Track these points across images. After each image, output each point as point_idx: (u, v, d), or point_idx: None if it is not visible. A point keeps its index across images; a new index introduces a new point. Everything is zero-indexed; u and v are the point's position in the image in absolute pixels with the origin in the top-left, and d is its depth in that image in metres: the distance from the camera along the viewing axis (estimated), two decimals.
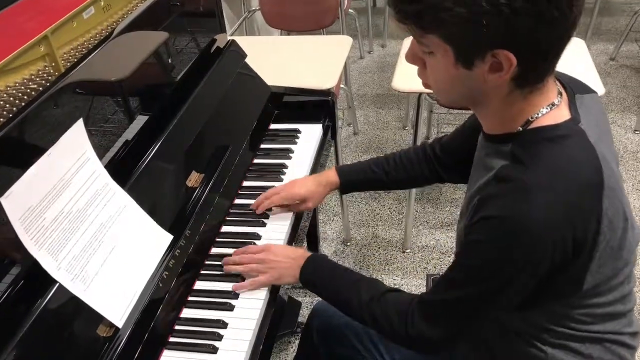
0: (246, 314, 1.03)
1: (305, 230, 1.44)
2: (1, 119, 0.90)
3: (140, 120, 1.17)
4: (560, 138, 0.78)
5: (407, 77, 1.77)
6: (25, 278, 0.83)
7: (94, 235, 0.90)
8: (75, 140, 0.91)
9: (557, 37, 0.73)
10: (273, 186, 1.32)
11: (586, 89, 0.89)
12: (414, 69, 0.84)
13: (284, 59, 1.99)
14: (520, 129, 0.80)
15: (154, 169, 1.11)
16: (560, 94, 0.82)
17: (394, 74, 1.81)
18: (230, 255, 1.13)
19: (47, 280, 0.83)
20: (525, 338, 0.91)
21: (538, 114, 0.79)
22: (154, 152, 1.13)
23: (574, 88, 0.86)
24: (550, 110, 0.80)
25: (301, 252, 1.10)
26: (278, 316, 1.11)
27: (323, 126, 1.54)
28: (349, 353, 1.20)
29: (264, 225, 1.22)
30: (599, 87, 1.65)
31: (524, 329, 0.90)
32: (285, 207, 1.26)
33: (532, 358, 0.91)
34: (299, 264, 1.07)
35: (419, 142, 2.14)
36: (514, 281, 0.79)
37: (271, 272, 1.08)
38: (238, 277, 1.10)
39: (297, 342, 1.68)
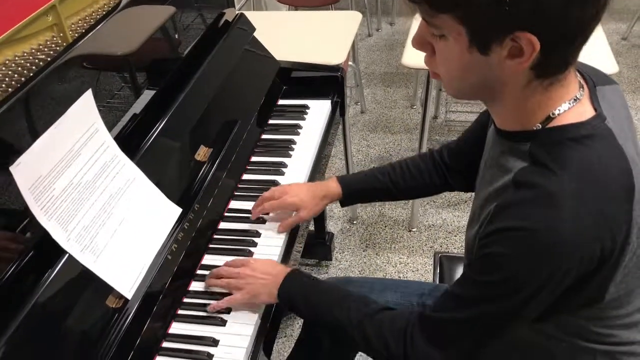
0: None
1: None
2: (10, 89, 0.89)
3: (148, 95, 1.16)
4: (586, 138, 0.70)
5: (417, 54, 1.74)
6: (35, 249, 0.83)
7: (103, 207, 0.90)
8: (84, 111, 0.90)
9: (588, 17, 0.64)
10: (282, 162, 1.32)
11: (607, 80, 0.81)
12: None
13: (292, 35, 1.97)
14: (540, 126, 0.72)
15: (162, 143, 1.10)
16: (582, 86, 0.74)
17: (404, 51, 1.78)
18: (225, 257, 1.07)
19: (57, 251, 0.83)
20: (532, 352, 0.85)
21: (560, 110, 0.71)
22: (161, 126, 1.12)
23: (594, 79, 0.78)
24: (573, 106, 0.72)
25: (281, 269, 1.00)
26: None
27: (332, 102, 1.53)
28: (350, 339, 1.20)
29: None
30: (612, 67, 1.63)
31: (530, 339, 0.84)
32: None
33: None
34: (278, 280, 0.97)
35: (427, 120, 2.13)
36: (536, 297, 0.71)
37: (247, 289, 0.98)
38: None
39: (302, 320, 1.69)
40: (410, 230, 2.19)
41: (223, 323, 0.97)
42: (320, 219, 2.06)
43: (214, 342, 0.93)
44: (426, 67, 0.77)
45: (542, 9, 0.61)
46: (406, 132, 2.71)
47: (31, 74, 0.91)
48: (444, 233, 2.17)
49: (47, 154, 0.82)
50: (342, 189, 1.17)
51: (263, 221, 1.16)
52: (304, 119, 1.47)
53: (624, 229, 0.68)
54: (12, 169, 0.75)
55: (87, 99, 0.91)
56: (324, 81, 1.56)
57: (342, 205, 1.23)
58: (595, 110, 0.73)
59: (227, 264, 1.04)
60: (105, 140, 0.94)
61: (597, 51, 1.67)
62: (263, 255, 1.10)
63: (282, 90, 1.56)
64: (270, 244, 1.12)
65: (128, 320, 0.88)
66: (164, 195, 1.02)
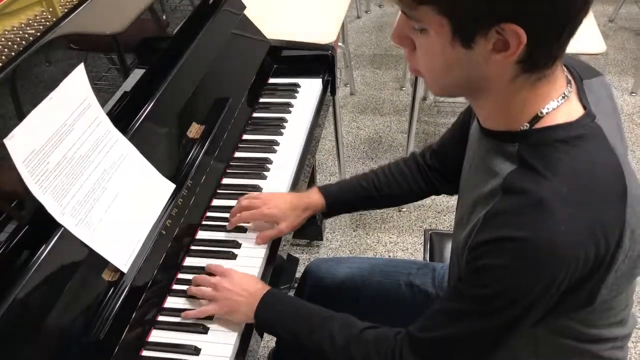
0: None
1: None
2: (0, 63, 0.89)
3: (138, 73, 1.15)
4: (577, 139, 0.67)
5: None
6: (30, 223, 0.83)
7: (97, 182, 0.90)
8: (76, 86, 0.90)
9: (577, 8, 0.61)
10: (274, 140, 1.32)
11: (593, 73, 0.78)
12: None
13: (281, 14, 1.95)
14: (528, 126, 0.69)
15: (153, 120, 1.10)
16: (569, 81, 0.72)
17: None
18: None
19: (52, 225, 0.83)
20: (517, 352, 0.82)
21: (548, 108, 0.68)
22: (153, 104, 1.11)
23: (580, 73, 0.75)
24: (562, 103, 0.69)
25: (260, 287, 0.94)
26: (277, 274, 1.09)
27: (323, 81, 1.53)
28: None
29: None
30: (600, 47, 1.64)
31: (515, 340, 0.79)
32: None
33: None
34: (254, 301, 0.91)
35: (417, 101, 2.14)
36: (533, 308, 0.69)
37: (222, 303, 0.92)
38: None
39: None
40: (400, 211, 2.21)
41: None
42: None
43: (209, 318, 0.94)
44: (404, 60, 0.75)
45: None
46: (396, 114, 2.71)
47: (21, 49, 0.91)
48: (433, 213, 2.19)
49: (41, 127, 0.82)
50: (325, 200, 1.11)
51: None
52: (295, 97, 1.47)
53: (617, 233, 0.66)
54: (6, 141, 0.75)
55: (79, 73, 0.90)
56: (315, 60, 1.55)
57: (325, 217, 1.17)
58: (584, 107, 0.70)
59: (208, 268, 0.99)
60: (98, 115, 0.94)
61: (585, 31, 1.68)
62: (250, 250, 1.07)
63: (273, 68, 1.56)
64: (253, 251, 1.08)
65: (125, 293, 0.89)
66: (157, 171, 1.02)
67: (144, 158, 1.00)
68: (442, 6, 0.61)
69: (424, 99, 2.76)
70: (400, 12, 0.67)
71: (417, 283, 1.15)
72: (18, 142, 0.77)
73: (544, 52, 0.64)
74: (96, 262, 0.87)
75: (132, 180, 0.96)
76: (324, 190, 1.12)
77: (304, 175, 1.33)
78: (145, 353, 0.89)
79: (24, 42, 0.94)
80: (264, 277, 1.04)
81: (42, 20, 1.01)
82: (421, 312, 1.12)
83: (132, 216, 0.94)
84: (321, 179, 2.37)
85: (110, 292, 0.88)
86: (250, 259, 1.05)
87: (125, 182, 0.95)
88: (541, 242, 0.64)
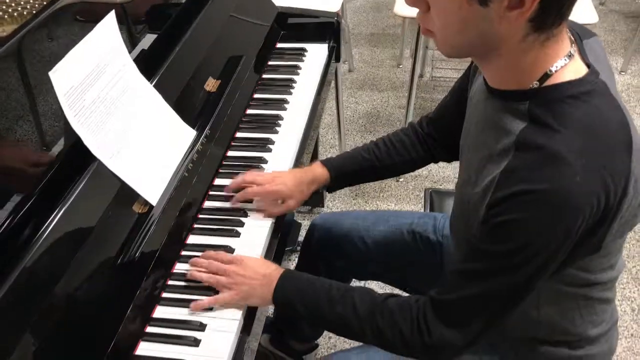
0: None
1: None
2: (33, 10, 0.94)
3: (150, 38, 1.20)
4: (585, 95, 0.71)
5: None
6: (67, 157, 0.89)
7: (127, 122, 0.96)
8: (107, 32, 0.96)
9: None
10: (283, 99, 1.39)
11: (589, 33, 0.82)
12: None
13: None
14: (537, 84, 0.72)
15: (173, 73, 1.16)
16: (572, 41, 0.75)
17: (395, 1, 1.84)
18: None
19: (87, 159, 0.90)
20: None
21: (557, 66, 0.71)
22: (172, 58, 1.18)
23: (580, 33, 0.79)
24: (569, 62, 0.72)
25: (274, 269, 0.95)
26: (282, 238, 1.11)
27: (329, 47, 1.59)
28: (347, 263, 1.27)
29: (237, 235, 1.05)
30: (593, 16, 1.72)
31: None
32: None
33: (521, 315, 0.83)
34: (271, 282, 0.92)
35: (416, 76, 2.20)
36: (553, 258, 0.72)
37: (236, 290, 0.91)
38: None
39: (296, 259, 1.78)
40: (397, 180, 2.28)
41: (238, 235, 1.04)
42: None
43: (230, 250, 1.01)
44: (416, 21, 0.75)
45: None
46: (393, 90, 2.78)
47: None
48: (429, 182, 2.27)
49: (77, 66, 0.88)
50: (329, 173, 1.12)
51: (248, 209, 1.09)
52: (302, 60, 1.53)
53: (623, 181, 0.70)
54: (50, 74, 0.81)
55: (110, 20, 0.96)
56: (321, 27, 1.62)
57: (329, 190, 1.19)
58: (588, 65, 0.74)
59: (212, 257, 0.96)
60: (126, 61, 1.00)
61: (580, 3, 1.76)
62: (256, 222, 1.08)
63: (280, 34, 1.62)
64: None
65: (153, 225, 0.95)
66: (179, 118, 1.08)
67: (168, 105, 1.06)
68: None
69: (421, 76, 2.83)
70: None
71: (418, 230, 1.22)
72: (60, 76, 0.83)
73: (554, 10, 0.66)
74: (127, 194, 0.93)
75: (157, 124, 1.02)
76: (327, 163, 1.13)
77: (312, 135, 1.40)
78: (170, 282, 0.96)
79: None
80: (270, 247, 1.05)
81: None
82: (423, 256, 1.21)
83: (158, 156, 1.00)
84: (322, 152, 2.43)
85: (140, 223, 0.94)
86: (257, 228, 1.06)
87: (151, 125, 1.01)
88: (560, 192, 0.67)
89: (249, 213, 1.09)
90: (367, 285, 1.87)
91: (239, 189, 1.09)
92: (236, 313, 0.91)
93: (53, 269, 0.82)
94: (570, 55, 0.72)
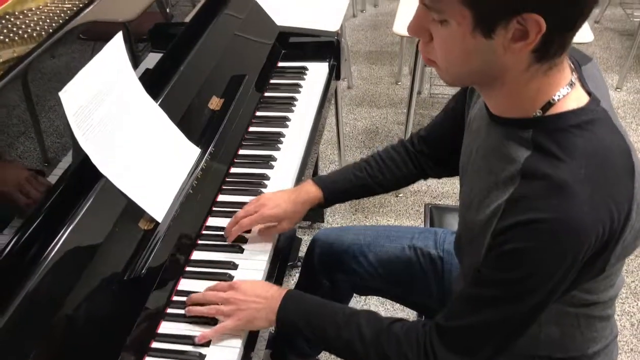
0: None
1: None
2: (43, 33, 0.97)
3: (153, 56, 1.23)
4: (588, 124, 0.71)
5: (407, 22, 1.84)
6: (74, 175, 0.91)
7: (133, 140, 0.98)
8: (114, 53, 0.98)
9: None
10: (285, 117, 1.41)
11: (586, 58, 0.83)
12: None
13: (287, 5, 2.04)
14: (540, 112, 0.73)
15: (178, 92, 1.19)
16: (573, 69, 0.76)
17: (395, 18, 1.88)
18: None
19: (95, 177, 0.92)
20: None
21: (559, 95, 0.72)
22: (177, 78, 1.21)
23: (578, 59, 0.80)
24: (570, 90, 0.73)
25: (275, 290, 0.94)
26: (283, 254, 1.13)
27: (329, 65, 1.62)
28: (348, 278, 1.28)
29: (241, 251, 1.06)
30: (588, 35, 1.76)
31: None
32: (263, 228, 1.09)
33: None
34: (274, 304, 0.91)
35: (415, 93, 2.23)
36: (560, 286, 0.73)
37: (239, 315, 0.90)
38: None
39: (297, 275, 1.79)
40: (397, 196, 2.30)
41: (241, 251, 1.06)
42: None
43: (234, 266, 1.03)
44: (419, 50, 0.74)
45: None
46: (392, 106, 2.82)
47: (61, 22, 0.99)
48: (429, 198, 2.29)
49: (86, 86, 0.90)
50: (322, 193, 1.12)
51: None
52: (303, 79, 1.56)
53: (626, 207, 0.71)
54: (60, 94, 0.83)
55: (117, 41, 0.99)
56: (321, 45, 1.65)
57: (322, 207, 1.18)
58: (588, 93, 0.75)
59: (209, 289, 0.96)
60: (132, 81, 1.02)
61: None
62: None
63: (282, 53, 1.65)
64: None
65: (158, 242, 0.97)
66: (184, 136, 1.10)
67: (173, 123, 1.09)
68: None
69: (419, 92, 2.87)
70: (418, 4, 0.70)
71: (419, 245, 1.23)
72: (70, 96, 0.85)
73: (558, 41, 0.67)
74: (133, 211, 0.95)
75: (163, 142, 1.04)
76: (319, 182, 1.13)
77: (314, 151, 1.42)
78: (175, 298, 0.97)
79: (62, 15, 1.02)
80: (270, 272, 1.05)
81: None
82: (424, 271, 1.22)
83: (164, 174, 1.02)
84: (322, 167, 2.45)
85: (146, 239, 0.96)
86: (254, 260, 1.05)
87: (157, 143, 1.03)
88: (567, 221, 0.68)
89: (248, 237, 1.09)
90: (368, 300, 1.88)
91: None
92: (237, 341, 0.91)
93: (61, 284, 0.83)
94: (571, 84, 0.73)
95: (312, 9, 1.98)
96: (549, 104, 0.72)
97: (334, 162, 2.49)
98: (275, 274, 1.06)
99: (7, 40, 0.91)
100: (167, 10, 1.41)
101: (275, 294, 0.93)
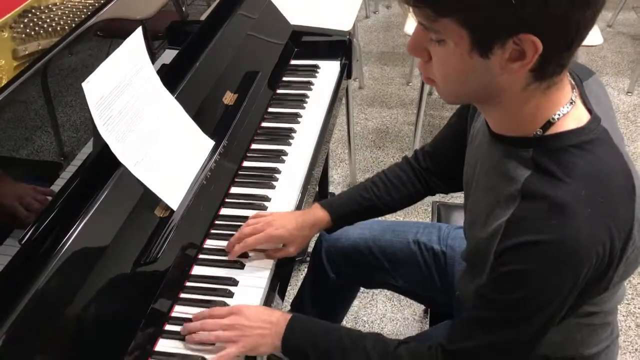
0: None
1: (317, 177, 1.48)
2: (66, 27, 1.01)
3: (169, 53, 1.27)
4: (588, 144, 0.72)
5: None
6: (94, 164, 0.95)
7: (151, 131, 1.02)
8: (135, 46, 1.02)
9: (587, 19, 0.65)
10: (297, 113, 1.44)
11: (588, 73, 0.84)
12: None
13: (300, 5, 2.08)
14: (540, 131, 0.73)
15: (193, 87, 1.23)
16: (573, 87, 0.76)
17: (407, 19, 1.91)
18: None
19: (113, 165, 0.96)
20: None
21: (559, 114, 0.73)
22: (192, 73, 1.25)
23: (580, 75, 0.80)
24: (570, 109, 0.73)
25: (279, 314, 0.92)
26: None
27: (341, 64, 1.65)
28: (354, 272, 1.31)
29: (242, 267, 1.04)
30: (597, 38, 1.78)
31: None
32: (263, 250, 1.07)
33: None
34: (279, 329, 0.90)
35: (425, 94, 2.26)
36: (563, 306, 0.73)
37: (243, 342, 0.88)
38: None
39: (305, 270, 1.82)
40: None
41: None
42: (323, 183, 2.19)
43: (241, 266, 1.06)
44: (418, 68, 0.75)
45: (547, 10, 0.61)
46: (402, 107, 2.84)
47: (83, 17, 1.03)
48: (437, 196, 2.31)
49: (107, 78, 0.94)
50: (330, 216, 1.11)
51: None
52: (315, 76, 1.59)
53: (627, 227, 0.71)
54: (83, 85, 0.87)
55: (137, 35, 1.03)
56: (333, 44, 1.68)
57: (329, 232, 1.18)
58: (589, 111, 0.75)
59: (204, 315, 0.92)
60: (150, 75, 1.06)
61: None
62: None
63: (294, 51, 1.69)
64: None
65: (173, 229, 1.00)
66: (199, 128, 1.14)
67: (188, 116, 1.12)
68: (463, 18, 0.64)
69: (430, 94, 2.89)
70: (417, 24, 0.70)
71: (423, 240, 1.26)
72: (92, 87, 0.89)
73: (556, 60, 0.67)
74: (150, 199, 0.99)
75: (179, 134, 1.08)
76: (327, 206, 1.12)
77: (324, 149, 1.45)
78: (188, 284, 1.01)
79: (84, 10, 1.07)
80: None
81: None
82: (428, 265, 1.25)
83: (179, 164, 1.06)
84: (332, 165, 2.49)
85: (161, 227, 1.00)
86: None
87: (173, 135, 1.07)
88: (567, 242, 0.68)
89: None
90: (376, 296, 1.91)
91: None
92: None
93: (80, 269, 0.87)
94: (572, 102, 0.74)
95: (325, 10, 2.01)
96: (549, 123, 0.73)
97: (344, 160, 2.52)
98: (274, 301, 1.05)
99: (32, 33, 0.95)
100: (183, 9, 1.45)
101: (280, 318, 0.91)
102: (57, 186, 0.91)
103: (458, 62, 0.68)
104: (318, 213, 1.11)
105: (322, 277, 1.36)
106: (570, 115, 0.73)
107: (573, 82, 0.77)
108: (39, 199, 0.86)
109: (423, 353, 0.83)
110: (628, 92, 2.88)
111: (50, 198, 0.88)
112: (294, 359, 0.92)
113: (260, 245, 1.05)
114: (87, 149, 0.97)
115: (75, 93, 0.94)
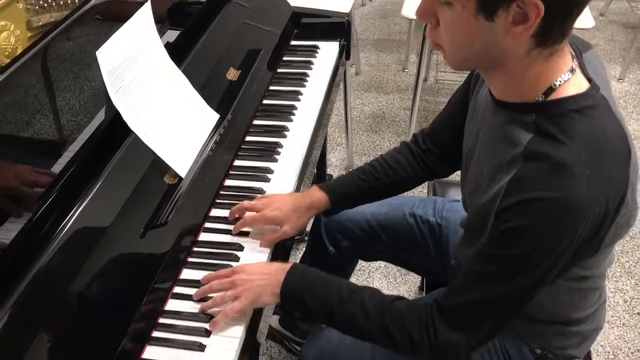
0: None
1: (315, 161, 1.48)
2: (76, 1, 1.05)
3: (171, 34, 1.30)
4: (588, 109, 0.75)
5: (415, 5, 1.90)
6: (106, 131, 0.99)
7: (159, 102, 1.06)
8: (143, 20, 1.06)
9: None
10: (297, 91, 1.48)
11: (587, 46, 0.87)
12: None
13: None
14: (542, 97, 0.77)
15: (198, 62, 1.26)
16: (573, 56, 0.79)
17: (404, 3, 1.94)
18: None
19: (124, 133, 1.00)
20: None
21: (560, 81, 0.76)
22: (196, 49, 1.28)
23: (579, 47, 0.84)
24: (571, 76, 0.77)
25: (278, 265, 0.96)
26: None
27: (340, 44, 1.69)
28: (353, 244, 1.35)
29: (241, 249, 1.06)
30: (589, 21, 1.82)
31: None
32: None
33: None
34: (279, 278, 0.92)
35: (421, 79, 2.30)
36: (558, 263, 0.76)
37: (245, 294, 0.91)
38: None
39: (304, 249, 1.86)
40: None
41: (241, 248, 1.08)
42: (321, 166, 2.23)
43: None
44: (426, 35, 0.80)
45: None
46: (398, 92, 2.89)
47: None
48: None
49: (119, 49, 0.98)
50: (329, 197, 1.12)
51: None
52: (315, 57, 1.63)
53: (621, 190, 0.74)
54: (97, 53, 0.91)
55: (146, 9, 1.06)
56: (332, 26, 1.72)
57: (327, 215, 1.20)
58: (589, 80, 0.78)
59: (210, 278, 0.96)
60: (159, 49, 1.10)
61: None
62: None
63: (294, 32, 1.72)
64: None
65: (181, 196, 1.04)
66: (204, 102, 1.18)
67: (194, 89, 1.16)
68: None
69: (425, 79, 2.93)
70: None
71: (419, 213, 1.30)
72: (105, 56, 0.93)
73: (557, 26, 0.71)
74: (159, 166, 1.03)
75: (186, 106, 1.12)
76: (325, 187, 1.13)
77: (324, 126, 1.49)
78: (195, 249, 1.05)
79: None
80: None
81: None
82: (424, 237, 1.30)
83: (187, 135, 1.10)
84: (329, 149, 2.53)
85: (170, 193, 1.04)
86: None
87: (180, 106, 1.11)
88: (567, 200, 0.71)
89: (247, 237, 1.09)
90: (372, 274, 1.95)
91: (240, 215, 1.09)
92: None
93: (94, 232, 0.91)
94: (572, 70, 0.77)
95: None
96: (551, 89, 0.76)
97: (341, 144, 2.56)
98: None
99: (45, 5, 0.98)
100: None
101: (279, 268, 0.95)
102: (65, 158, 0.95)
103: (464, 24, 0.72)
104: (316, 194, 1.13)
105: (321, 251, 1.40)
106: (571, 82, 0.76)
107: (573, 53, 0.80)
108: (42, 176, 0.89)
109: (419, 308, 0.86)
110: (619, 79, 2.94)
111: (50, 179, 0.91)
112: (291, 307, 0.94)
113: (256, 223, 1.07)
114: (90, 128, 1.00)
115: (73, 78, 0.96)
